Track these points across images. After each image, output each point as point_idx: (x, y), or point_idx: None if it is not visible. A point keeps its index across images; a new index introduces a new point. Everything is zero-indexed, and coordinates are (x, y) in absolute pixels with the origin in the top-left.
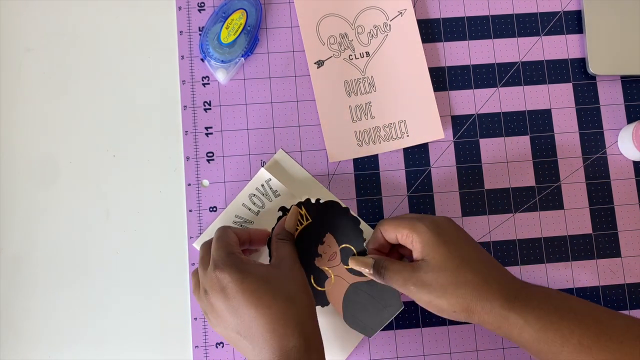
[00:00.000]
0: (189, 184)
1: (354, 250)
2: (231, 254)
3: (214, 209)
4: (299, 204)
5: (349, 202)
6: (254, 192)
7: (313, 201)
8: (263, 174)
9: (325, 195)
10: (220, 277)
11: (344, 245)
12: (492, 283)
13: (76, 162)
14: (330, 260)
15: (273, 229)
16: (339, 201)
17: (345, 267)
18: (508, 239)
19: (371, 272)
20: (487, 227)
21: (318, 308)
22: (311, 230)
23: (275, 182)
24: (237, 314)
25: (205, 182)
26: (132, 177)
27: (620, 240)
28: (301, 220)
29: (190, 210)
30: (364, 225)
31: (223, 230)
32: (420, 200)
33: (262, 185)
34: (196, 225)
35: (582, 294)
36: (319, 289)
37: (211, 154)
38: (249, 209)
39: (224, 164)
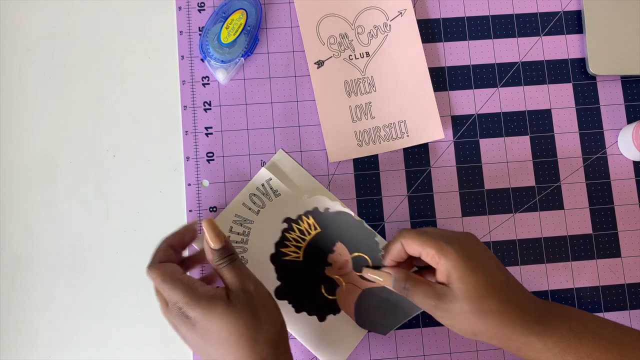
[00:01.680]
0: (189, 184)
1: (369, 261)
2: (191, 292)
3: (214, 209)
4: (307, 213)
5: (349, 202)
6: (255, 192)
7: (322, 210)
8: (264, 173)
9: (325, 194)
10: (190, 314)
11: (356, 254)
12: (513, 310)
13: (76, 162)
14: (342, 268)
15: (278, 243)
16: (351, 212)
17: (358, 274)
18: (508, 239)
19: (390, 286)
20: (487, 227)
21: (329, 317)
22: (321, 240)
23: (275, 182)
24: (206, 350)
25: (205, 182)
26: (132, 177)
27: (620, 240)
28: (309, 230)
29: (190, 210)
30: (380, 238)
31: (168, 268)
32: (420, 200)
33: (263, 185)
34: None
35: (582, 294)
36: (330, 297)
37: (211, 154)
38: (249, 209)
39: (224, 164)
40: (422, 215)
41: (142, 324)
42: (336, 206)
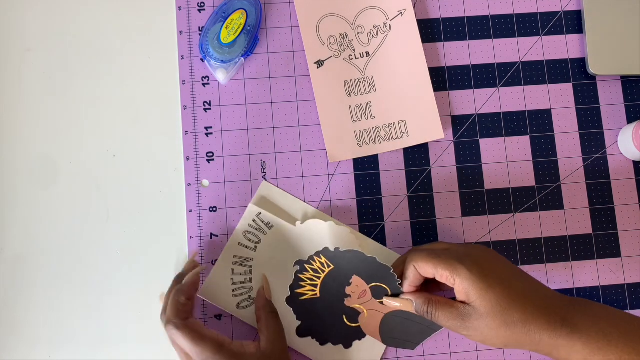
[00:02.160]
0: (189, 184)
1: (388, 290)
2: (222, 349)
3: (214, 209)
4: (317, 254)
5: (349, 202)
6: (248, 229)
7: (332, 249)
8: (252, 209)
9: (317, 216)
10: None
11: (374, 284)
12: (539, 316)
13: (76, 162)
14: (361, 297)
15: (293, 285)
16: (363, 251)
17: (378, 300)
18: (508, 239)
19: (413, 311)
20: (487, 227)
21: (355, 342)
22: (335, 275)
23: (266, 215)
24: None
25: (205, 182)
26: (132, 177)
27: (620, 240)
28: (322, 268)
29: (190, 210)
30: (384, 261)
31: (195, 326)
32: (420, 200)
33: (254, 220)
34: (196, 225)
35: (582, 294)
36: (353, 325)
37: (211, 154)
38: (246, 247)
39: (224, 164)
40: (422, 215)
41: (142, 323)
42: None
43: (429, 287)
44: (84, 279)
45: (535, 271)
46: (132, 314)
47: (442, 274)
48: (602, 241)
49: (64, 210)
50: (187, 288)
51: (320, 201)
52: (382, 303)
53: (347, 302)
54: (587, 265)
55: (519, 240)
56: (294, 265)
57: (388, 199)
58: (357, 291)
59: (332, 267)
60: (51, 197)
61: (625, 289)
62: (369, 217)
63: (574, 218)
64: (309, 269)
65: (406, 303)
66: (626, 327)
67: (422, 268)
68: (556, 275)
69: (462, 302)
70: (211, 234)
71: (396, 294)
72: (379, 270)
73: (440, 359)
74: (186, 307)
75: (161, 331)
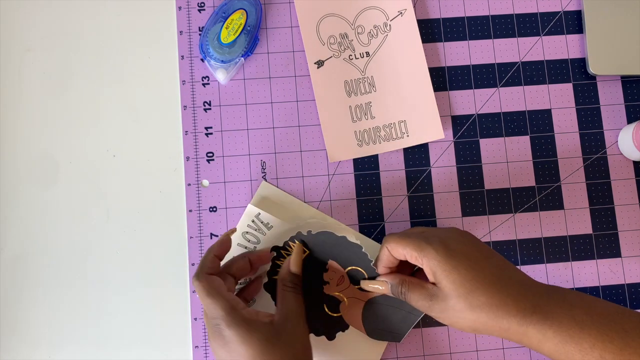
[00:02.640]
0: (189, 184)
1: (364, 273)
2: (232, 312)
3: (214, 209)
4: (292, 239)
5: (349, 202)
6: (247, 230)
7: (305, 233)
8: (251, 209)
9: (318, 217)
10: (225, 333)
11: (350, 268)
12: (507, 301)
13: (76, 162)
14: (339, 284)
15: (270, 272)
16: (333, 231)
17: (357, 287)
18: (508, 239)
19: (389, 293)
20: (487, 227)
21: (338, 334)
22: (312, 261)
23: (265, 215)
24: None
25: (205, 182)
26: (132, 177)
27: (620, 240)
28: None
29: (190, 210)
30: (367, 249)
31: (214, 282)
32: (420, 200)
33: (253, 221)
34: (196, 225)
35: None
36: (334, 315)
37: (211, 154)
38: (245, 248)
39: (224, 164)
40: (422, 215)
41: (142, 324)
42: (318, 227)
43: (417, 276)
44: (84, 279)
45: (535, 271)
46: (132, 313)
47: (411, 254)
48: (602, 241)
49: (64, 210)
50: (217, 247)
51: (320, 201)
52: (360, 289)
53: (326, 290)
54: (587, 265)
55: (519, 240)
56: (271, 252)
57: (388, 199)
58: (335, 277)
59: (308, 252)
60: (51, 197)
61: (625, 289)
62: (369, 217)
63: (574, 218)
64: (286, 255)
65: (382, 284)
66: (600, 314)
67: (394, 249)
68: (556, 276)
69: (432, 283)
70: (211, 234)
71: (373, 278)
72: (352, 250)
73: (440, 359)
74: (213, 264)
75: (161, 332)
